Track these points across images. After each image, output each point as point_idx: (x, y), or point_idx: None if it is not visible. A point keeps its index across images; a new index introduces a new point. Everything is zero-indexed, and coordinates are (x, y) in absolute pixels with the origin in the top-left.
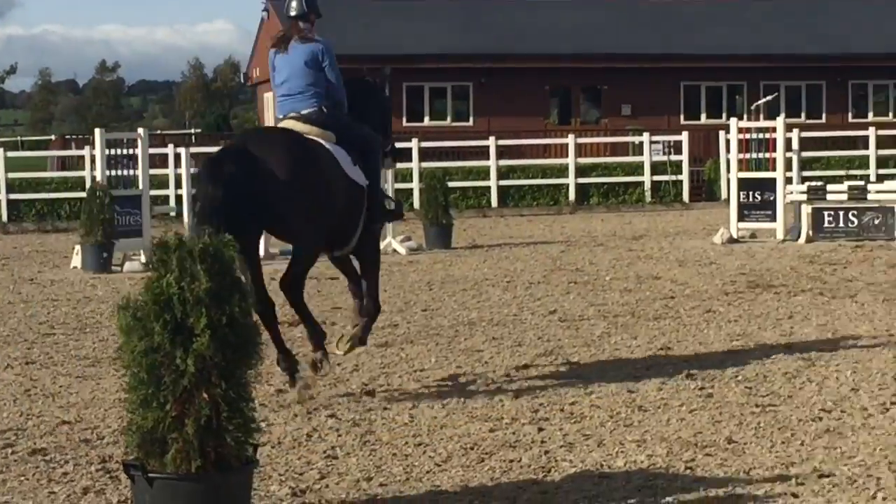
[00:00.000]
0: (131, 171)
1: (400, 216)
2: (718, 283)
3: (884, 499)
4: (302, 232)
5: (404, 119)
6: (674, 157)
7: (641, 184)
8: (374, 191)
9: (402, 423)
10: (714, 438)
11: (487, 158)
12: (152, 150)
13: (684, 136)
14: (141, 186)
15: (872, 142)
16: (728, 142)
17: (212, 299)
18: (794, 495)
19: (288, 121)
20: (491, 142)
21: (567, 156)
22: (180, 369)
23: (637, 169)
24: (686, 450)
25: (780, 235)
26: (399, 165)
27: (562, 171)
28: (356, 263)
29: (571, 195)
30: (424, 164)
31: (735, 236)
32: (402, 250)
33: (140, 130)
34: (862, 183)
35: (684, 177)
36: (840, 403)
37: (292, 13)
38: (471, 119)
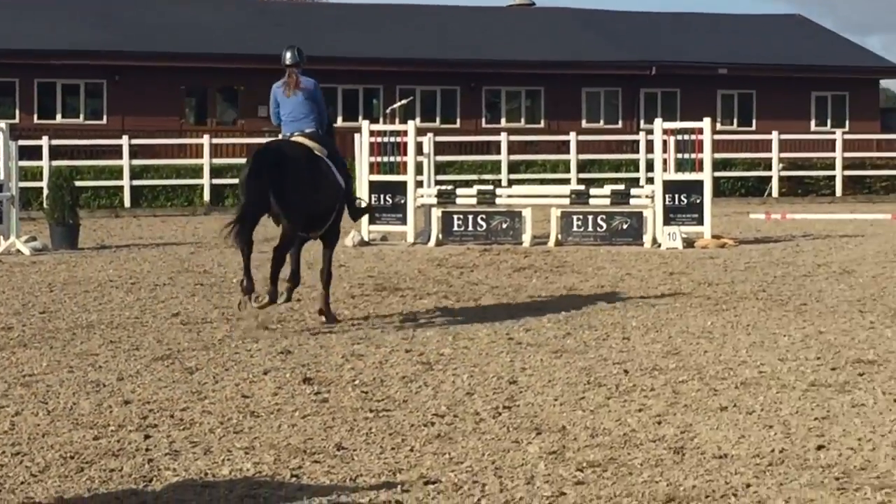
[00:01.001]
0: None
1: (370, 211)
2: (346, 286)
3: None
4: (292, 215)
5: (35, 116)
6: None
7: None
8: (349, 193)
9: (1, 431)
10: (324, 445)
11: (121, 158)
12: None
13: None
14: None
15: (504, 147)
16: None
17: None
18: (399, 503)
19: (298, 137)
20: (124, 141)
21: (202, 156)
22: None
23: None
24: (294, 457)
25: (410, 238)
26: (28, 163)
27: (196, 171)
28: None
29: (206, 196)
30: (56, 163)
31: (366, 239)
32: (25, 251)
33: None
34: (491, 187)
35: None
36: (454, 408)
37: (288, 62)
38: (104, 117)
